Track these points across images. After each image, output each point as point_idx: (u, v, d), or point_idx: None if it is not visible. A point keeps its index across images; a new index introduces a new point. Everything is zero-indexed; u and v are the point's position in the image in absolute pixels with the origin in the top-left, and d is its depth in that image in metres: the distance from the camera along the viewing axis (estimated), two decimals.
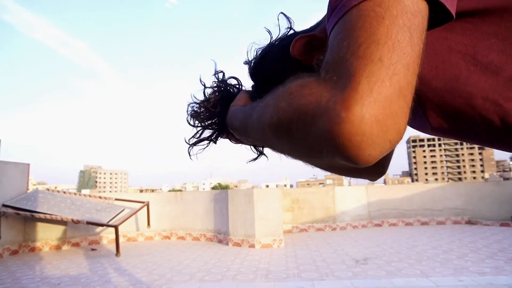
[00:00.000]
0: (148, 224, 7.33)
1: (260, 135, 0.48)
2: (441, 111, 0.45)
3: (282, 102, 0.39)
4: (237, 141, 0.70)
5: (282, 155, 0.66)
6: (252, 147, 0.73)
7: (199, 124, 0.70)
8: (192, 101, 0.71)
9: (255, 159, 0.75)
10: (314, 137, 0.34)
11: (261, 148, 0.73)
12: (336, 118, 0.31)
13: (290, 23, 0.67)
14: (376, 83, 0.31)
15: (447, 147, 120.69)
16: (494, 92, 0.40)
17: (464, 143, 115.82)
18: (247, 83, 0.74)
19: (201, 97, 0.71)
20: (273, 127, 0.41)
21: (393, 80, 0.31)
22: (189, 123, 0.70)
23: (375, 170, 0.76)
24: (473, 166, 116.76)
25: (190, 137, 0.71)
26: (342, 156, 0.33)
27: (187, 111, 0.71)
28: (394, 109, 0.31)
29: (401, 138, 0.33)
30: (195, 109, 0.70)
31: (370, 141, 0.31)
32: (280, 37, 0.68)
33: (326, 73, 0.35)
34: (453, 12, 0.39)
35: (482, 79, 0.40)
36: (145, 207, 7.27)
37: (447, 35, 0.42)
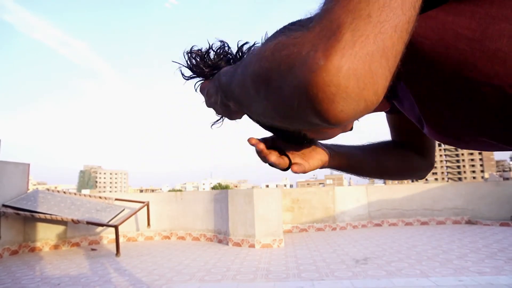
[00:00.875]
0: (148, 224, 7.33)
1: (242, 89, 0.46)
2: (443, 98, 0.45)
3: (266, 52, 0.39)
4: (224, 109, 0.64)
5: (259, 125, 0.64)
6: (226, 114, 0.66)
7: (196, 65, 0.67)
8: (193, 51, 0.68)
9: (216, 121, 0.70)
10: (289, 86, 0.34)
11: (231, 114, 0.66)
12: (314, 65, 0.30)
13: None
14: (361, 37, 0.30)
15: (447, 147, 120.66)
16: (500, 79, 0.39)
17: None
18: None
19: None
20: (253, 77, 0.41)
21: (378, 38, 0.30)
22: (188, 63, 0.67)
23: (424, 163, 0.80)
24: (473, 166, 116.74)
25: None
26: (313, 110, 0.32)
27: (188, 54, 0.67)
28: (374, 67, 0.30)
29: (377, 101, 0.32)
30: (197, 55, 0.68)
31: (344, 95, 0.30)
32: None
33: (313, 23, 0.35)
34: None
35: (487, 65, 0.39)
36: (145, 207, 7.27)
37: (454, 19, 0.40)
